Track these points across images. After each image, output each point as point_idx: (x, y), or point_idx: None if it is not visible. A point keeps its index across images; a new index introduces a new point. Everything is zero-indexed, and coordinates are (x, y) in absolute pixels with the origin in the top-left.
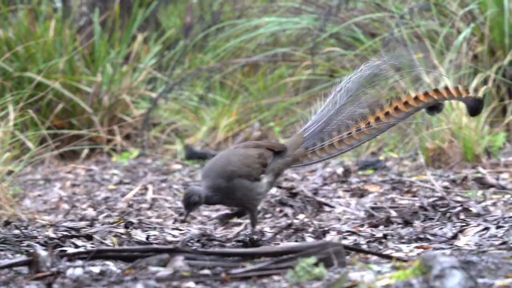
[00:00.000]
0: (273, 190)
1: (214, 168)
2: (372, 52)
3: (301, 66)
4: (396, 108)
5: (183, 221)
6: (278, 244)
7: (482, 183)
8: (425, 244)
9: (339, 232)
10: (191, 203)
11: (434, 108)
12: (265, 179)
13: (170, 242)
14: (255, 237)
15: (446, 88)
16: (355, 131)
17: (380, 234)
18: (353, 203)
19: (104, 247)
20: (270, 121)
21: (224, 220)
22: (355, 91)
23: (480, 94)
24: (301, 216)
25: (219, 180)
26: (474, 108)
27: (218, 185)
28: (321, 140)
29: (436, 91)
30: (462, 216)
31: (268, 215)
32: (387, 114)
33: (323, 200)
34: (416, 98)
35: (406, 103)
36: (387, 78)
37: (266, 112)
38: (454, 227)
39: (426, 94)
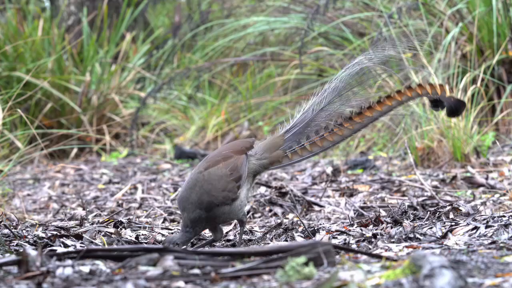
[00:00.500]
0: (263, 190)
1: (191, 200)
2: (361, 51)
3: (290, 65)
4: (379, 102)
5: None
6: (268, 243)
7: (471, 183)
8: (414, 243)
9: (329, 231)
10: None
11: (439, 104)
12: (243, 192)
13: (160, 242)
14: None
15: (430, 84)
16: (337, 127)
17: (369, 234)
18: (343, 203)
19: (93, 247)
20: (259, 120)
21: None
22: (341, 90)
23: (464, 96)
24: (290, 216)
25: (197, 212)
26: (454, 109)
27: (199, 216)
28: (306, 138)
29: (420, 86)
30: (451, 216)
31: (257, 215)
32: (370, 108)
33: (312, 199)
34: (399, 92)
35: (389, 97)
36: (373, 76)
37: (255, 112)
38: (443, 226)
39: (409, 88)
